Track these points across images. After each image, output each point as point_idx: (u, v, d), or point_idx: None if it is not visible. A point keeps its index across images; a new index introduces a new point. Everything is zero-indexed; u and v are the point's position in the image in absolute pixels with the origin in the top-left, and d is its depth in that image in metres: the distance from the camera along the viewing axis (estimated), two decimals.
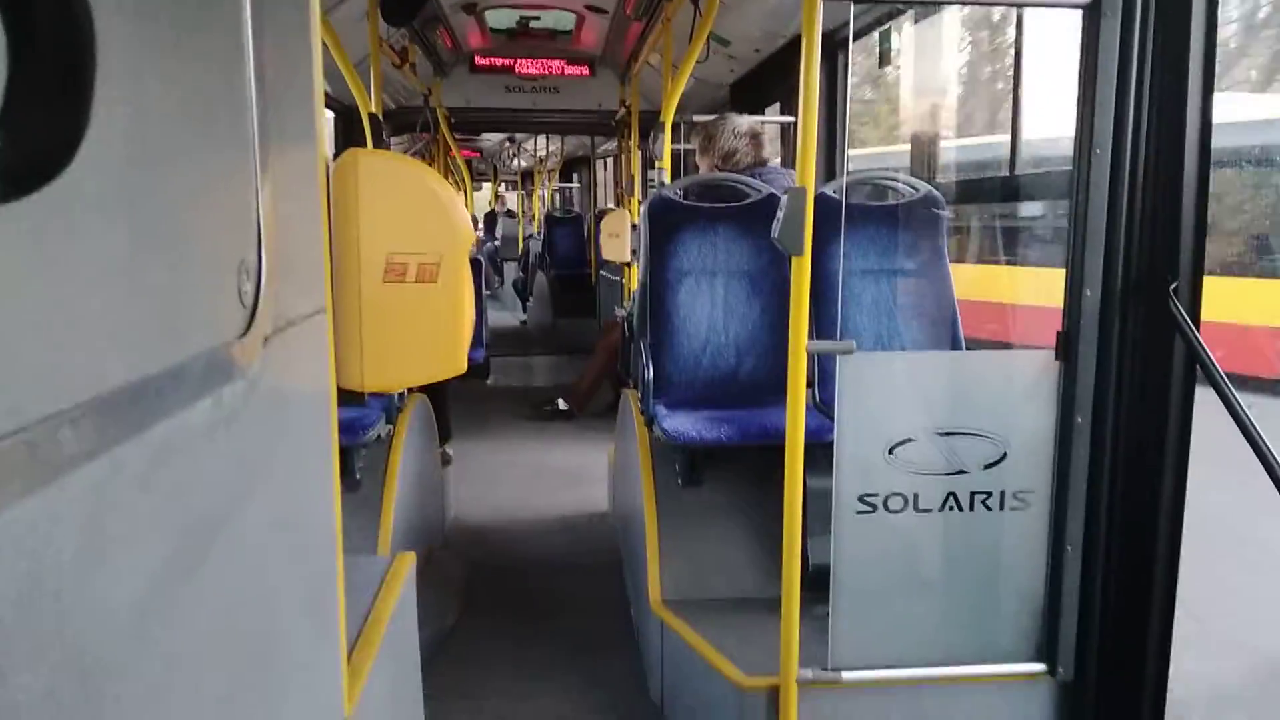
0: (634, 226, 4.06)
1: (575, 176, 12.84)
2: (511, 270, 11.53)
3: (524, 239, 11.94)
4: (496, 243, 12.30)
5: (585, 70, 5.63)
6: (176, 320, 0.60)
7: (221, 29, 0.71)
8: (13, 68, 0.38)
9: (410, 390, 2.91)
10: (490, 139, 11.01)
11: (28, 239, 0.42)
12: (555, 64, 5.59)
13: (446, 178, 6.35)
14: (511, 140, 11.21)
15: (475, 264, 4.47)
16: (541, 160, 11.92)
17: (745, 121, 2.90)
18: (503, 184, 15.46)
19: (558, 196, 13.42)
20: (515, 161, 13.11)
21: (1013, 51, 2.52)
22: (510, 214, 14.31)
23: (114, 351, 0.51)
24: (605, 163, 10.54)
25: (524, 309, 10.06)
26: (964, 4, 2.57)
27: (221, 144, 0.71)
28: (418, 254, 1.11)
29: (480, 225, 15.17)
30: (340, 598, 1.06)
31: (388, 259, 1.08)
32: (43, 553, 0.43)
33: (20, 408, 0.42)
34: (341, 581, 1.05)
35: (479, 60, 5.50)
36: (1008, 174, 2.05)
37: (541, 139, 10.80)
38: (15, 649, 0.41)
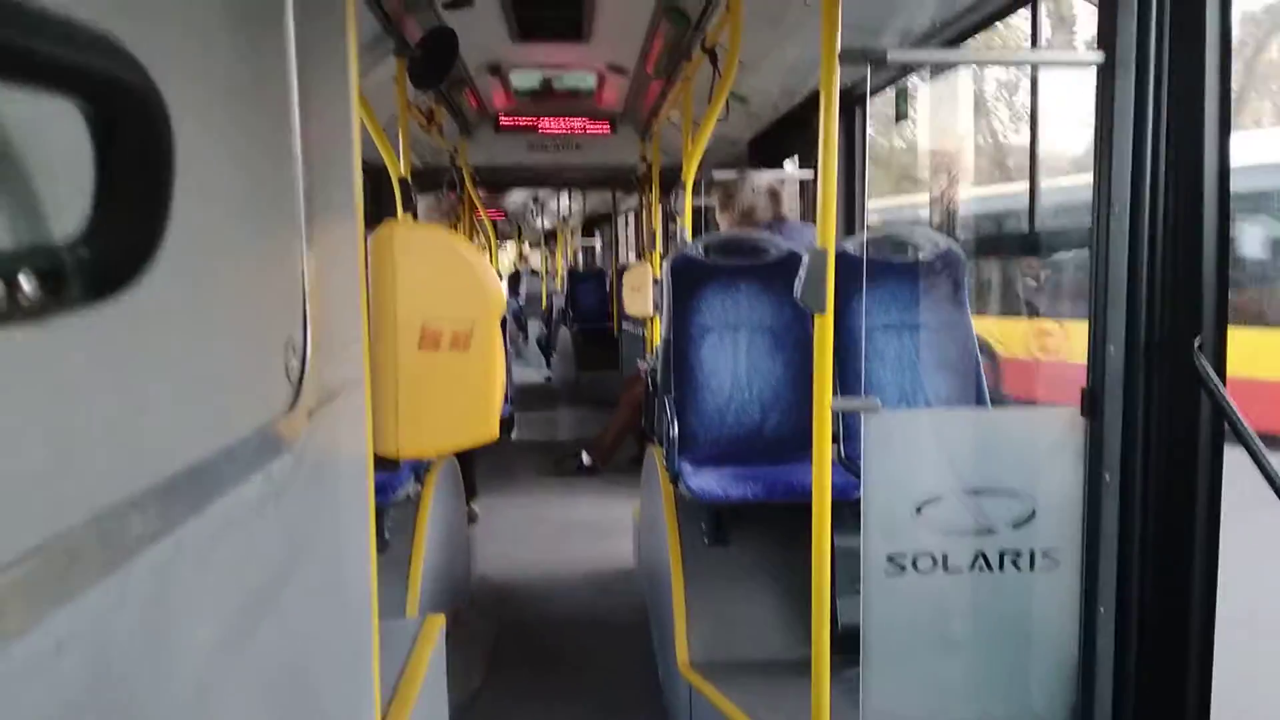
0: (655, 281, 4.11)
1: (597, 233, 13.02)
2: (535, 328, 11.66)
3: (547, 295, 12.09)
4: (521, 301, 12.46)
5: (606, 128, 5.74)
6: (231, 401, 0.63)
7: (270, 109, 0.75)
8: (100, 177, 0.41)
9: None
10: (515, 199, 11.21)
11: (107, 338, 0.45)
12: (577, 122, 5.72)
13: (472, 238, 6.47)
14: (535, 200, 11.41)
15: (501, 323, 4.52)
16: (564, 219, 12.13)
17: (764, 179, 2.95)
18: (526, 243, 15.70)
19: (580, 253, 13.60)
20: (539, 221, 13.33)
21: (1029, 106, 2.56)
22: (534, 273, 14.54)
23: (176, 436, 0.54)
24: (627, 218, 10.70)
25: (548, 364, 10.12)
26: (979, 63, 2.62)
27: (273, 225, 0.74)
28: (452, 321, 1.14)
29: (505, 284, 15.39)
30: (375, 662, 1.07)
31: (423, 327, 1.11)
32: (111, 637, 0.45)
33: (92, 496, 0.44)
34: (377, 646, 1.06)
35: (503, 120, 5.63)
36: (1027, 229, 2.07)
37: (564, 198, 10.97)
38: None
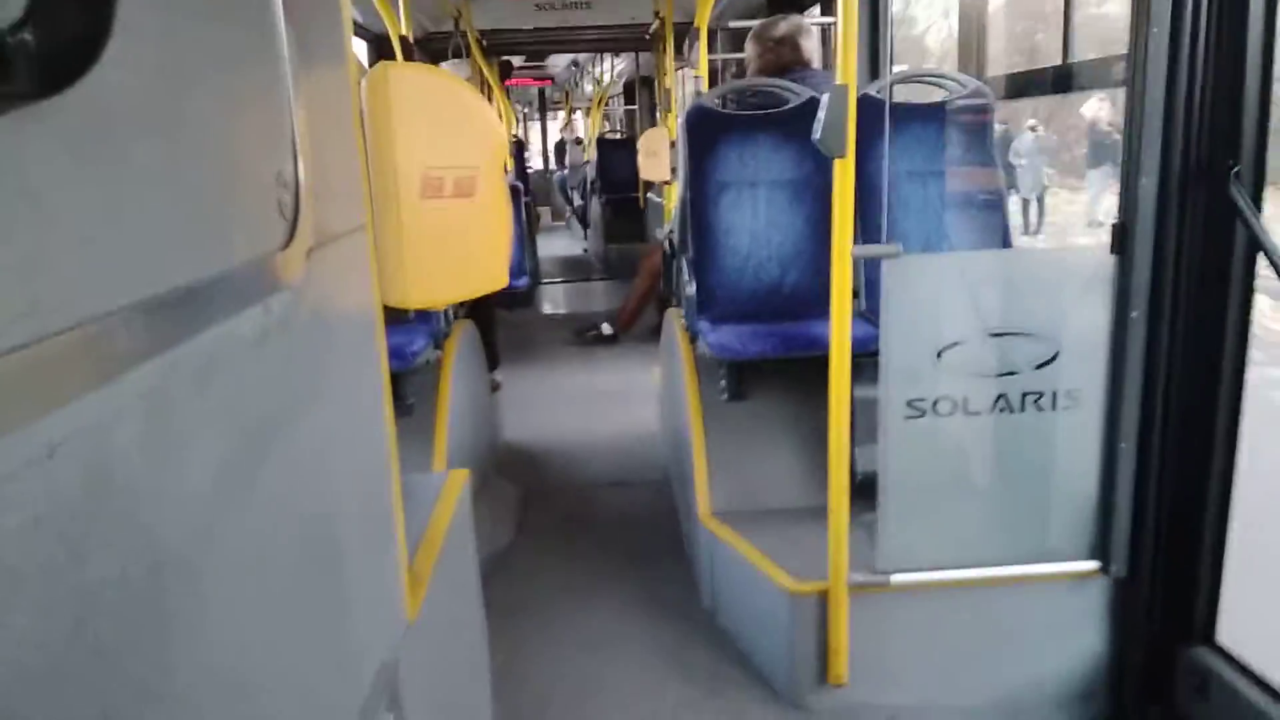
0: (672, 144, 3.99)
1: (637, 98, 12.59)
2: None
3: (582, 165, 11.78)
4: (565, 171, 12.05)
5: None
6: (218, 227, 0.61)
7: None
8: None
9: (456, 316, 2.94)
10: (557, 64, 10.72)
11: (61, 137, 0.43)
12: None
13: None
14: (575, 64, 10.92)
15: (513, 190, 4.45)
16: (599, 82, 11.60)
17: (784, 26, 2.80)
18: (578, 111, 15.14)
19: (612, 119, 13.03)
20: (586, 87, 12.79)
21: None
22: (579, 141, 14.15)
23: (160, 255, 0.53)
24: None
25: (585, 236, 9.98)
26: None
27: (252, 56, 0.71)
28: (454, 168, 1.11)
29: (552, 154, 14.93)
30: (398, 508, 1.09)
31: (424, 174, 1.08)
32: (109, 445, 0.45)
33: (73, 305, 0.43)
34: (398, 492, 1.09)
35: None
36: (1060, 63, 1.96)
37: (608, 61, 10.45)
38: (89, 533, 0.43)
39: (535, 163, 15.83)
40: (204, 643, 0.56)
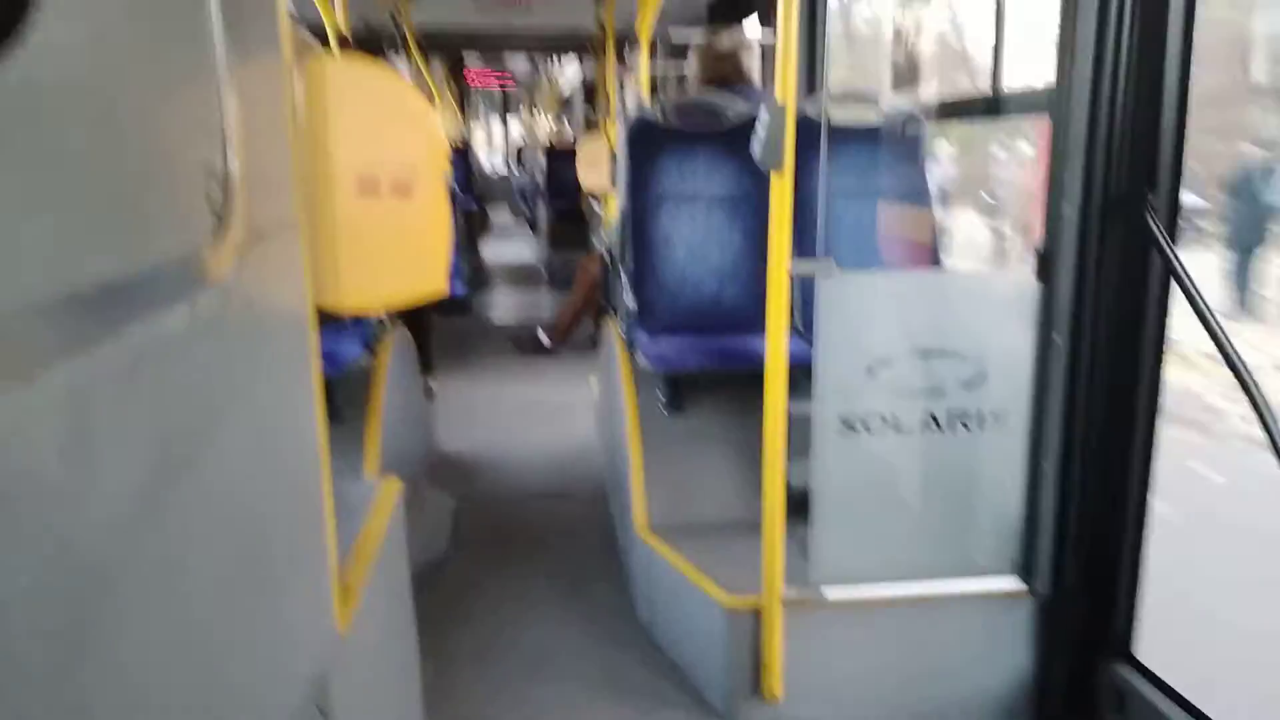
0: (613, 156, 3.99)
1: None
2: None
3: (533, 173, 11.54)
4: (524, 177, 11.79)
5: None
6: (142, 220, 0.59)
7: None
8: None
9: (390, 321, 2.89)
10: (521, 66, 10.51)
11: None
12: None
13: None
14: (534, 66, 10.72)
15: (451, 194, 4.39)
16: (550, 83, 11.33)
17: (728, 39, 2.84)
18: (541, 114, 14.84)
19: (562, 123, 12.79)
20: (549, 90, 12.58)
21: None
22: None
23: (83, 247, 0.50)
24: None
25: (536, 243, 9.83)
26: None
27: (182, 45, 0.69)
28: (392, 166, 1.09)
29: (513, 159, 14.58)
30: (329, 517, 1.06)
31: (360, 172, 1.05)
32: (28, 446, 0.43)
33: None
34: (329, 499, 1.05)
35: None
36: (990, 91, 2.02)
37: (570, 63, 10.29)
38: (4, 540, 0.41)
39: (498, 163, 15.39)
40: (124, 656, 0.53)
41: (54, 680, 0.45)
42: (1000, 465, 1.84)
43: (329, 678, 0.99)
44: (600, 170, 3.96)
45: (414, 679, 1.63)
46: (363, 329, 2.56)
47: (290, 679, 0.88)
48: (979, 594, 1.87)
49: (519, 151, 13.01)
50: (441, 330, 4.79)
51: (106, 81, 0.54)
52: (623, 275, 2.67)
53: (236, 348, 0.76)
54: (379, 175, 1.06)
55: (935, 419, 1.80)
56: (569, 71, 10.55)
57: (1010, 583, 1.87)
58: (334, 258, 1.04)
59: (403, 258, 1.12)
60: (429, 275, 1.16)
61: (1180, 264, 1.56)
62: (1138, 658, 1.74)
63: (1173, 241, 1.59)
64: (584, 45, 5.80)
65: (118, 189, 0.55)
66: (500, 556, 2.68)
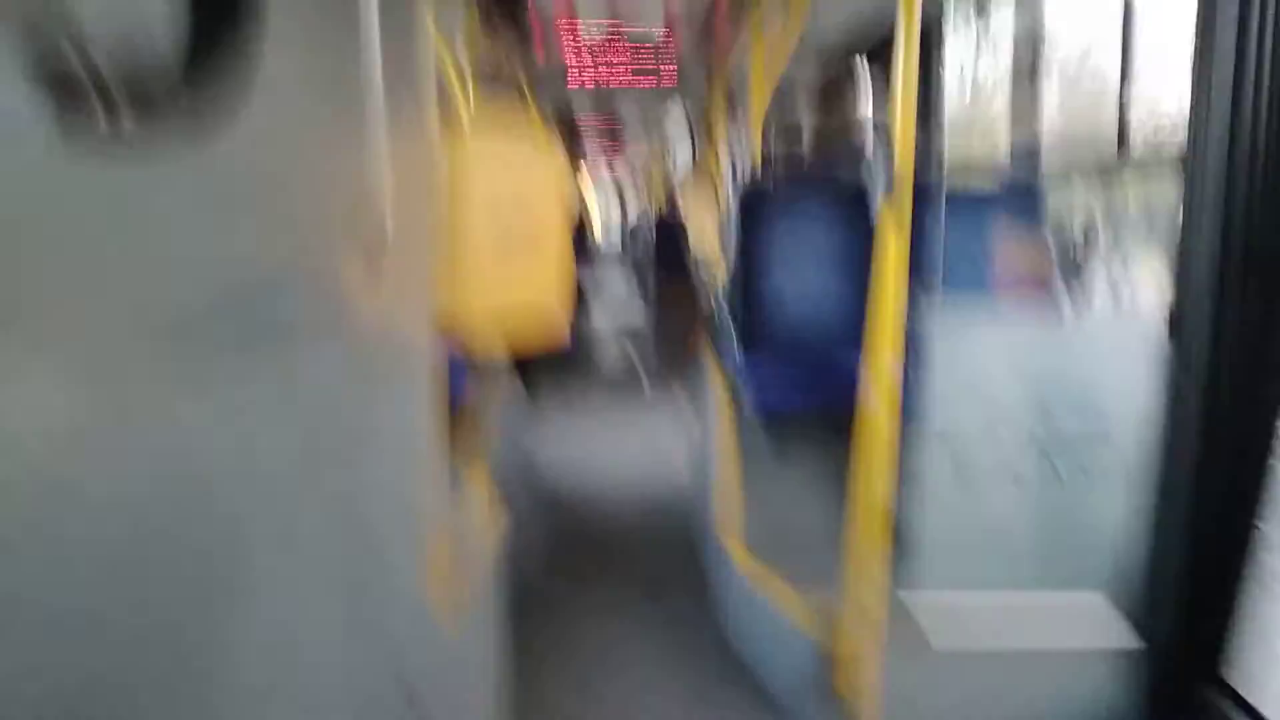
0: (720, 217, 4.09)
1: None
2: None
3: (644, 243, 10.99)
4: (637, 249, 11.56)
5: (674, 79, 5.63)
6: (319, 269, 0.73)
7: (347, 31, 0.83)
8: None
9: (504, 361, 3.03)
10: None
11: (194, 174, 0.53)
12: (644, 80, 5.60)
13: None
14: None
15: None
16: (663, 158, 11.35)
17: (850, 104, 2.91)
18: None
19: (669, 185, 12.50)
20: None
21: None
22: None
23: (274, 289, 0.63)
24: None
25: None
26: None
27: (354, 129, 0.82)
28: (523, 224, 1.20)
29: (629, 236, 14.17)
30: (441, 527, 1.14)
31: (497, 231, 1.17)
32: (207, 448, 0.54)
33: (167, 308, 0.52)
34: (442, 514, 1.14)
35: (571, 81, 5.58)
36: (1116, 154, 2.01)
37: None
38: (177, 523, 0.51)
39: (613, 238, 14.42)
40: (265, 614, 0.63)
41: (203, 632, 0.55)
42: (1118, 521, 1.77)
43: (425, 670, 1.08)
44: (708, 229, 4.06)
45: (504, 684, 1.70)
46: (479, 367, 2.71)
47: (388, 664, 0.97)
48: (1086, 651, 1.79)
49: (632, 231, 12.84)
50: (548, 370, 5.02)
51: (298, 159, 0.67)
52: (732, 327, 2.72)
53: (375, 375, 0.87)
54: (511, 232, 1.17)
55: (1052, 468, 1.75)
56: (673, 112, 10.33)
57: (1119, 639, 1.79)
58: (467, 309, 1.15)
59: (528, 309, 1.23)
60: (553, 327, 1.26)
61: None
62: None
63: None
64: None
65: (302, 244, 0.68)
66: (593, 580, 2.78)
